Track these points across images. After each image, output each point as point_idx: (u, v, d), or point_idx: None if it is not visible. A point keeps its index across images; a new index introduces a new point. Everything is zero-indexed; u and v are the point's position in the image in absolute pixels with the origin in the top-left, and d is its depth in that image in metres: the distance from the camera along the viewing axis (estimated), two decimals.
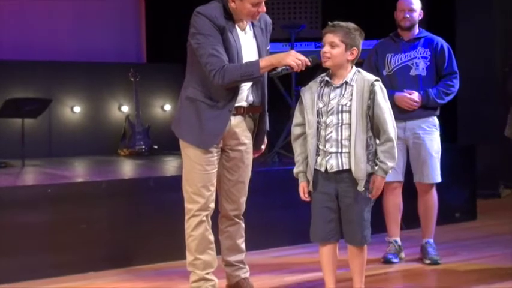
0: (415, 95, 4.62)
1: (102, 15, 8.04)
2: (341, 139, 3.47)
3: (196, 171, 3.71)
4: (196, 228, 3.74)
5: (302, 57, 3.54)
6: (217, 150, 3.75)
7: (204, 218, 3.74)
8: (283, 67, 3.56)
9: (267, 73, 3.72)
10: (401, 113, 4.59)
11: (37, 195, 4.47)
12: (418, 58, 4.70)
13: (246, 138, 3.84)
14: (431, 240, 4.79)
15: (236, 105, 3.71)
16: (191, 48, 3.67)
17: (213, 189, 3.77)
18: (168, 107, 8.00)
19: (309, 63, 3.57)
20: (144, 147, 7.26)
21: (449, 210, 5.94)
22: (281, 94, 6.20)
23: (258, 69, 3.56)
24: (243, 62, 3.65)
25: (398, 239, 4.81)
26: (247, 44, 3.73)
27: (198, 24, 3.60)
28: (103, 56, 7.89)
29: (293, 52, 3.59)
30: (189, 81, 3.75)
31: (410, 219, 5.18)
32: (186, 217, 3.77)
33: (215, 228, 3.90)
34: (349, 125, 3.45)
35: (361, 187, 3.46)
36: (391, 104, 4.48)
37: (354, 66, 3.55)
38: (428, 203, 4.77)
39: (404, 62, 4.71)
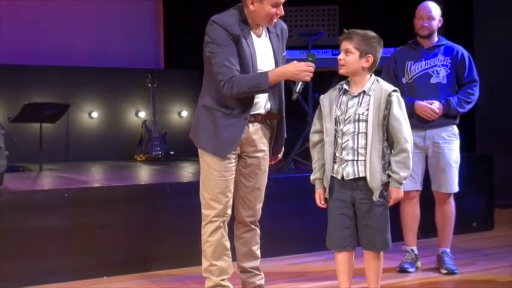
0: (436, 105, 4.59)
1: (120, 21, 8.09)
2: (357, 147, 3.46)
3: (214, 177, 3.72)
4: (212, 234, 3.74)
5: (311, 68, 3.53)
6: (234, 157, 3.75)
7: (221, 225, 3.74)
8: (300, 84, 3.59)
9: (292, 94, 3.67)
10: (421, 122, 4.58)
11: (54, 200, 4.49)
12: (439, 66, 4.67)
13: (264, 145, 3.84)
14: (448, 250, 4.76)
15: (254, 112, 3.72)
16: (206, 57, 3.68)
17: (230, 195, 3.77)
18: (185, 113, 8.02)
19: (312, 69, 3.56)
20: (160, 152, 7.29)
21: (467, 219, 5.91)
22: (298, 101, 6.19)
23: (266, 81, 3.55)
24: (258, 68, 3.65)
25: (415, 248, 4.78)
26: (263, 51, 3.73)
27: (212, 33, 3.61)
28: (121, 62, 7.93)
29: (300, 65, 3.55)
30: (206, 90, 3.76)
31: (427, 228, 5.16)
32: (203, 223, 3.77)
33: (231, 235, 3.90)
34: (366, 134, 3.45)
35: (376, 197, 3.45)
36: (411, 112, 4.51)
37: (372, 75, 3.55)
38: (446, 212, 4.74)
39: (425, 70, 4.68)
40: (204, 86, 3.79)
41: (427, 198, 4.82)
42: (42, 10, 7.68)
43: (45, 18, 7.69)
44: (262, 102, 3.75)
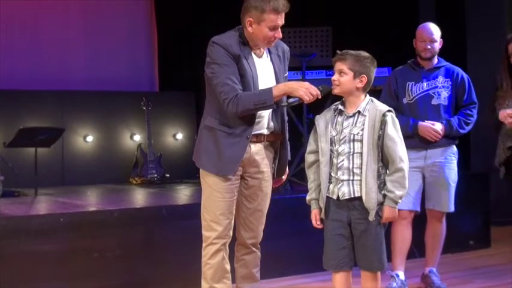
0: (438, 126, 4.58)
1: (114, 44, 8.10)
2: (353, 167, 3.47)
3: (215, 199, 3.71)
4: (213, 256, 3.73)
5: (315, 92, 3.55)
6: (236, 178, 3.74)
7: (222, 247, 3.73)
8: (295, 99, 3.59)
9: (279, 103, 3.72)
10: (422, 142, 4.57)
11: (50, 224, 4.47)
12: (440, 87, 4.66)
13: (266, 166, 3.83)
14: (435, 269, 4.73)
15: (257, 132, 3.72)
16: (208, 77, 3.69)
17: (232, 217, 3.76)
18: (180, 136, 8.01)
19: (320, 97, 3.58)
20: (156, 175, 7.27)
21: (463, 238, 5.91)
22: (293, 122, 6.22)
23: (271, 97, 3.57)
24: (259, 88, 3.66)
25: (400, 273, 4.59)
26: (264, 71, 3.74)
27: (213, 54, 3.63)
28: (115, 85, 7.92)
29: (307, 84, 3.58)
30: (207, 111, 3.77)
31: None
32: (204, 245, 3.76)
33: (232, 257, 3.88)
34: (361, 154, 3.46)
35: (372, 216, 3.45)
36: (415, 132, 4.51)
37: (367, 95, 3.56)
38: (437, 232, 4.72)
39: (426, 91, 4.67)
40: (206, 107, 3.80)
41: (425, 218, 4.79)
42: (36, 35, 7.70)
43: (39, 43, 7.70)
44: (265, 122, 3.74)
